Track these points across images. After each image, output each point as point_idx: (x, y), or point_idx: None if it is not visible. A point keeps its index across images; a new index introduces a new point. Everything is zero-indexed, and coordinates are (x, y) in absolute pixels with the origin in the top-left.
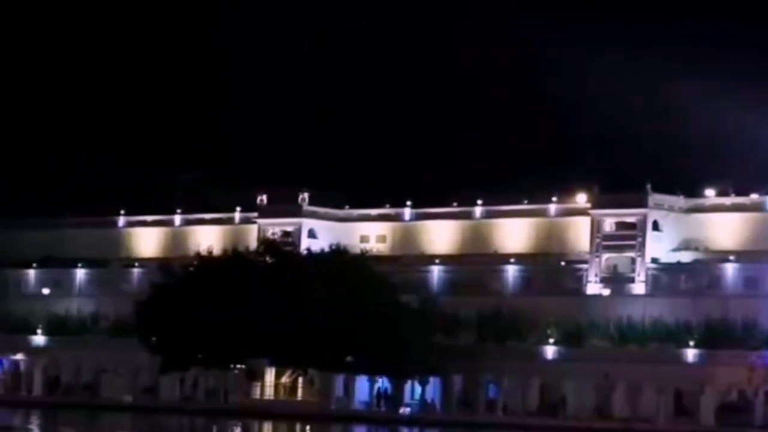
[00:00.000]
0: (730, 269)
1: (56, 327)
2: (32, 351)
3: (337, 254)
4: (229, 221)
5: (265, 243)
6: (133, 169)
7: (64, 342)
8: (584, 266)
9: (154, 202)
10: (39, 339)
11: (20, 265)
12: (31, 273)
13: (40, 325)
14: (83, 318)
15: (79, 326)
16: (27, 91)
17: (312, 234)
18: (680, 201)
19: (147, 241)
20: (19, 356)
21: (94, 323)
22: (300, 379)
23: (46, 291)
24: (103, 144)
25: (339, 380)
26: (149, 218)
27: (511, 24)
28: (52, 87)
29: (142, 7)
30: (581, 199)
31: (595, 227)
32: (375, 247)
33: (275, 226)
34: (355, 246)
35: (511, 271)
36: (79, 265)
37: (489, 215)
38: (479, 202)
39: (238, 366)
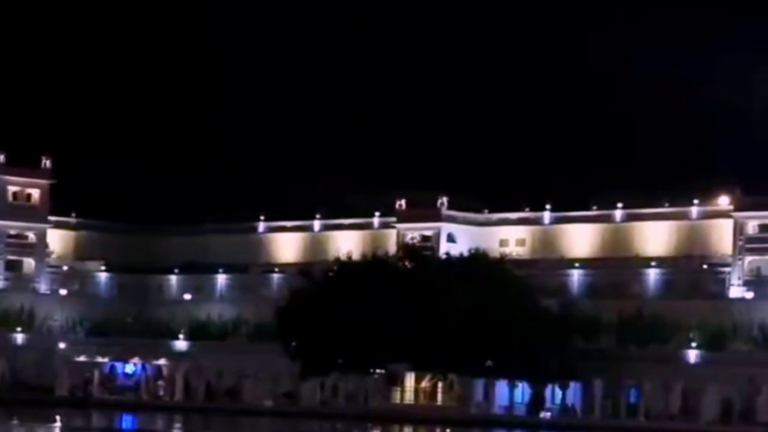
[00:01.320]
0: None
1: (198, 332)
2: (174, 356)
3: (477, 258)
4: (368, 226)
5: (404, 248)
6: (273, 174)
7: (206, 347)
8: (727, 269)
9: (293, 208)
10: (181, 344)
11: (163, 271)
12: (174, 279)
13: (182, 330)
14: (224, 323)
15: (220, 331)
16: (170, 95)
17: (451, 238)
18: None
19: (287, 246)
20: (162, 361)
21: (235, 328)
22: (440, 384)
23: (187, 296)
24: (243, 150)
25: (479, 385)
26: (289, 224)
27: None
28: (210, 91)
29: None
30: (723, 201)
31: (738, 230)
32: (514, 250)
33: (414, 231)
34: (494, 250)
35: (652, 274)
36: (220, 270)
37: (629, 218)
38: (619, 205)
39: (378, 371)
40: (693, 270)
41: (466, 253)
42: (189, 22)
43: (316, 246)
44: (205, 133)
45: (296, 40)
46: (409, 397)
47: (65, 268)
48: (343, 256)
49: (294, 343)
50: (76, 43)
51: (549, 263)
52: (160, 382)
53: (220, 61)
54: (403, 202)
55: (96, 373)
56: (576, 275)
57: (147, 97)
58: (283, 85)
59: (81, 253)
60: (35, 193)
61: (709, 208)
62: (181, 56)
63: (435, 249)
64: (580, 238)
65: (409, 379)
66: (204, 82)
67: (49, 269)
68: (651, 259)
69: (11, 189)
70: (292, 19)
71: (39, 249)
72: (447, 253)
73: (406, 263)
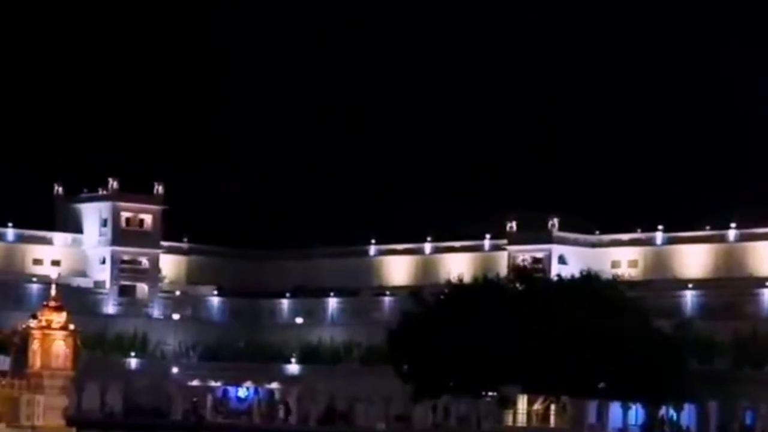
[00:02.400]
0: None
1: (310, 356)
2: (286, 380)
3: (589, 280)
4: (479, 248)
5: (515, 270)
6: (384, 197)
7: (318, 371)
8: None
9: (404, 230)
10: (293, 368)
11: (274, 296)
12: (285, 303)
13: (294, 354)
14: (336, 347)
15: (332, 355)
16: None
17: (562, 260)
18: None
19: (397, 269)
20: (274, 385)
21: (346, 352)
22: (552, 406)
23: (299, 320)
24: (352, 174)
25: (592, 407)
26: (399, 246)
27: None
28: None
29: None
30: None
31: None
32: (626, 272)
33: (525, 253)
34: (606, 272)
35: (767, 294)
36: (332, 294)
37: (743, 238)
38: (732, 224)
39: (490, 393)
40: None
41: (577, 275)
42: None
43: (426, 269)
44: (313, 156)
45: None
46: (521, 419)
47: (178, 293)
48: (454, 279)
49: (406, 366)
50: (191, 72)
51: (662, 284)
52: (276, 406)
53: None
54: (513, 224)
55: (209, 397)
56: (689, 296)
57: (264, 129)
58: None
59: (193, 277)
60: (148, 219)
61: None
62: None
63: (546, 271)
64: (693, 259)
65: (522, 402)
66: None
67: (162, 294)
68: (766, 279)
69: (124, 215)
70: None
71: (152, 274)
72: (558, 275)
73: (518, 285)
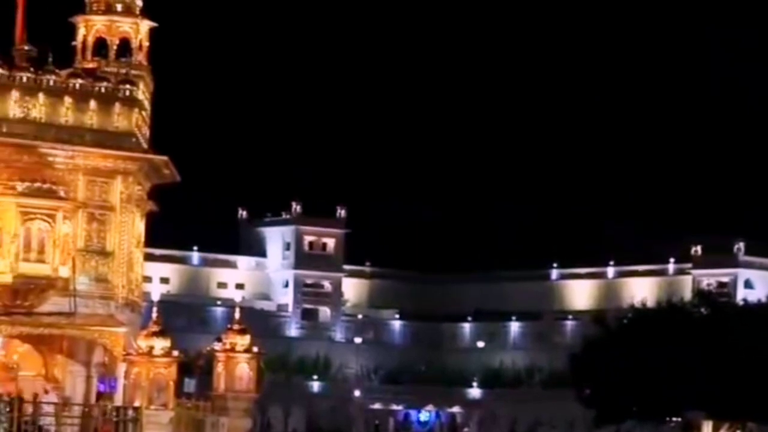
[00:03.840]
0: None
1: (491, 380)
2: (468, 404)
3: None
4: (663, 272)
5: (700, 294)
6: (564, 220)
7: (500, 395)
8: None
9: (586, 254)
10: (475, 392)
11: (455, 319)
12: (466, 326)
13: (475, 378)
14: (517, 370)
15: (513, 379)
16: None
17: (749, 284)
18: None
19: (580, 293)
20: (456, 409)
21: (528, 376)
22: None
23: (480, 344)
24: (533, 197)
25: None
26: (582, 270)
27: None
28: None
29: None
30: None
31: None
32: None
33: (710, 277)
34: None
35: None
36: (513, 318)
37: None
38: None
39: (674, 419)
40: None
41: (764, 300)
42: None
43: (609, 293)
44: (494, 179)
45: None
46: None
47: (360, 316)
48: (637, 303)
49: (588, 391)
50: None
51: None
52: (466, 429)
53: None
54: (698, 247)
55: (390, 421)
56: None
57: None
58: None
59: (375, 301)
60: (330, 243)
61: None
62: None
63: (732, 295)
64: None
65: (707, 428)
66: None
67: (344, 318)
68: None
69: (307, 239)
70: None
71: (334, 298)
72: (744, 300)
73: (702, 310)
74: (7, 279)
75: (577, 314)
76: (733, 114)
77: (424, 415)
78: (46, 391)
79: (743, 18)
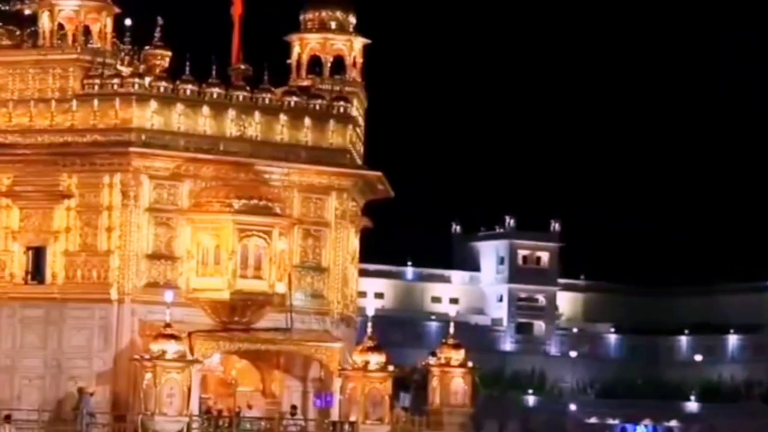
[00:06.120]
0: None
1: (709, 394)
2: (686, 418)
3: None
4: None
5: None
6: None
7: (718, 409)
8: None
9: None
10: (692, 406)
11: (672, 332)
12: (684, 340)
13: (692, 392)
14: (736, 384)
15: (732, 393)
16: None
17: None
18: None
19: None
20: (673, 423)
21: (747, 390)
22: None
23: (698, 357)
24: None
25: None
26: None
27: None
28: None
29: None
30: None
31: None
32: None
33: None
34: None
35: None
36: (731, 331)
37: None
38: None
39: None
40: None
41: None
42: None
43: None
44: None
45: None
46: None
47: (575, 330)
48: None
49: None
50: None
51: None
52: None
53: None
54: None
55: None
56: None
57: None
58: None
59: (590, 315)
60: (545, 257)
61: None
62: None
63: None
64: None
65: None
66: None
67: (559, 331)
68: None
69: (521, 253)
70: None
71: (549, 311)
72: None
73: None
74: (225, 296)
75: None
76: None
77: (640, 430)
78: (250, 407)
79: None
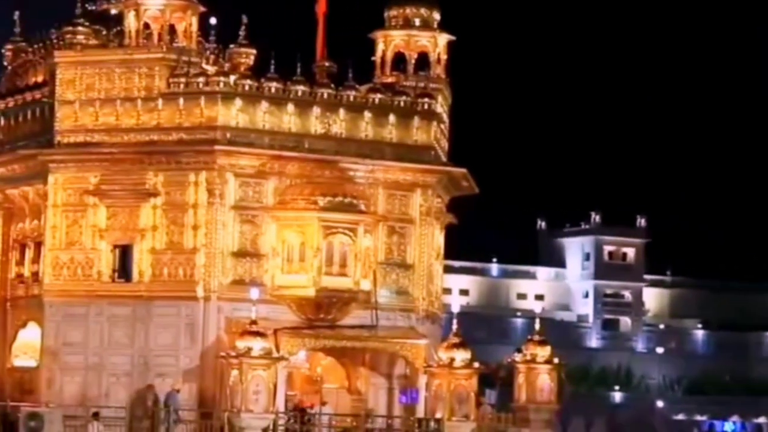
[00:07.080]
0: None
1: None
2: None
3: None
4: None
5: None
6: None
7: None
8: None
9: None
10: None
11: (760, 328)
12: None
13: None
14: None
15: None
16: None
17: None
18: None
19: None
20: (762, 419)
21: None
22: None
23: None
24: None
25: None
26: None
27: None
28: None
29: None
30: None
31: None
32: None
33: None
34: None
35: None
36: None
37: None
38: None
39: None
40: None
41: None
42: None
43: None
44: None
45: None
46: None
47: (661, 326)
48: None
49: None
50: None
51: None
52: None
53: None
54: None
55: None
56: None
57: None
58: None
59: (677, 311)
60: (631, 252)
61: None
62: None
63: None
64: None
65: None
66: None
67: (646, 328)
68: None
69: (607, 249)
70: None
71: (635, 308)
72: None
73: None
74: (311, 293)
75: None
76: None
77: (729, 426)
78: (323, 403)
79: None
